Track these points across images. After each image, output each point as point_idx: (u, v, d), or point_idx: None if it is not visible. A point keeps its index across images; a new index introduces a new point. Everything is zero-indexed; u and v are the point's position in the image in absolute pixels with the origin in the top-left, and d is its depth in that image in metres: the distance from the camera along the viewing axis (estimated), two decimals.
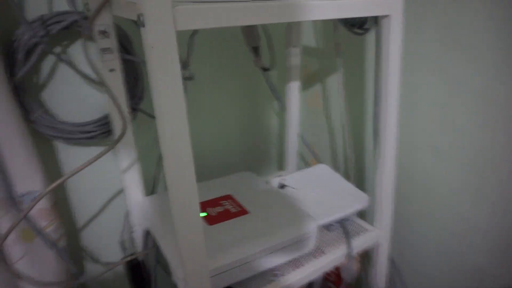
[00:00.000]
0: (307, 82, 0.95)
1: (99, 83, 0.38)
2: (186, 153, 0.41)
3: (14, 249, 0.60)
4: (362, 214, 0.75)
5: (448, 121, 0.66)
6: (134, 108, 0.68)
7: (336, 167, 0.94)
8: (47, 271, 0.64)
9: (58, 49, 0.64)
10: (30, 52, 0.58)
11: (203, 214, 0.62)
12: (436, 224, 0.75)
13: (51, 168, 0.68)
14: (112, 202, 0.77)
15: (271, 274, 0.60)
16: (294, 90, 0.84)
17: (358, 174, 0.88)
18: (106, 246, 0.79)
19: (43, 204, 0.62)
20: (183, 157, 0.41)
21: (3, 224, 0.58)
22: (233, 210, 0.64)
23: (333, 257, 0.64)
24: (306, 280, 0.61)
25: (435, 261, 0.77)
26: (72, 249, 0.75)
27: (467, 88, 0.62)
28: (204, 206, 0.65)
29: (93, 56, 0.57)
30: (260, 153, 0.98)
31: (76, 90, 0.67)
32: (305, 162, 1.06)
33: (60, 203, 0.71)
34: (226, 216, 0.62)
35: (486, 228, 0.65)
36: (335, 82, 0.87)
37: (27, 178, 0.60)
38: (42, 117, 0.61)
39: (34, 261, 0.62)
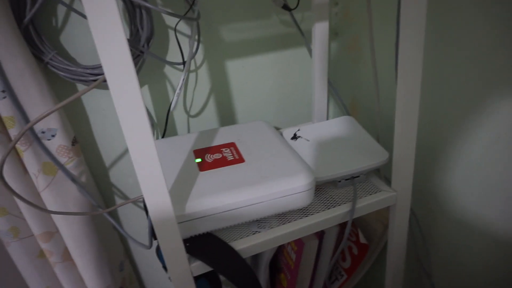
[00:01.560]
0: (344, 23, 0.84)
1: None
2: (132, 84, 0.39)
3: (39, 180, 0.68)
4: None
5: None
6: (142, 52, 0.68)
7: (371, 122, 0.85)
8: (71, 203, 0.72)
9: None
10: None
11: (197, 160, 0.62)
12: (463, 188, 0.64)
13: (76, 110, 0.74)
14: None
15: (257, 226, 0.59)
16: (321, 30, 0.75)
17: (389, 132, 0.79)
18: (134, 185, 0.85)
19: (62, 142, 0.68)
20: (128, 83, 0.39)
21: (28, 155, 0.65)
22: (230, 157, 0.62)
23: (328, 216, 0.60)
24: (295, 237, 0.58)
25: (464, 227, 0.67)
26: (102, 186, 0.82)
27: None
28: (204, 152, 0.65)
29: None
30: (290, 102, 0.93)
31: (88, 33, 0.69)
32: (343, 114, 0.98)
33: (85, 142, 0.77)
34: (220, 163, 0.61)
35: None
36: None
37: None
38: (54, 59, 0.64)
39: (58, 193, 0.70)
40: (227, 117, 0.87)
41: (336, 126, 0.75)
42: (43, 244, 0.73)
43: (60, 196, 0.70)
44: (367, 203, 0.62)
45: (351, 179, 0.65)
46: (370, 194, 0.64)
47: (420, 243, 0.78)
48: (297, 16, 0.81)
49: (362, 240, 0.78)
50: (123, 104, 0.39)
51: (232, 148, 0.66)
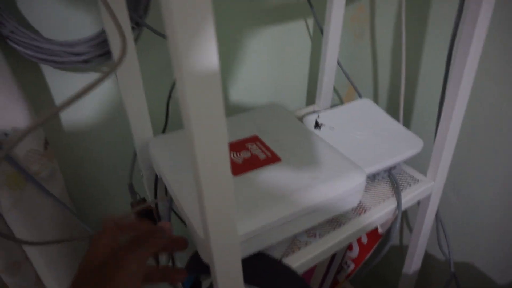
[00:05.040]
0: None
1: None
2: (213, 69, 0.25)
3: (2, 198, 0.50)
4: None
5: None
6: (138, 23, 0.53)
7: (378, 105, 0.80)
8: (46, 222, 0.55)
9: None
10: None
11: None
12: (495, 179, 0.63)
13: (43, 101, 0.56)
14: (118, 143, 0.66)
15: (307, 235, 0.50)
16: (337, 3, 0.66)
17: (406, 115, 0.74)
18: (117, 193, 0.70)
19: (32, 145, 0.51)
20: (210, 74, 0.25)
21: None
22: (262, 156, 0.52)
23: (378, 214, 0.53)
24: (348, 242, 0.51)
25: (487, 221, 0.67)
26: (79, 198, 0.66)
27: None
28: None
29: None
30: (288, 82, 0.83)
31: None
32: (339, 98, 0.92)
33: (56, 144, 0.60)
34: (253, 164, 0.50)
35: None
36: None
37: (8, 112, 0.48)
38: (17, 32, 0.46)
39: (29, 211, 0.53)
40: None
41: (356, 111, 0.68)
42: (9, 279, 0.56)
43: (31, 215, 0.53)
44: (411, 195, 0.57)
45: (388, 171, 0.59)
46: (410, 186, 0.59)
47: (440, 228, 0.76)
48: None
49: (380, 230, 0.74)
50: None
51: (258, 142, 0.55)
